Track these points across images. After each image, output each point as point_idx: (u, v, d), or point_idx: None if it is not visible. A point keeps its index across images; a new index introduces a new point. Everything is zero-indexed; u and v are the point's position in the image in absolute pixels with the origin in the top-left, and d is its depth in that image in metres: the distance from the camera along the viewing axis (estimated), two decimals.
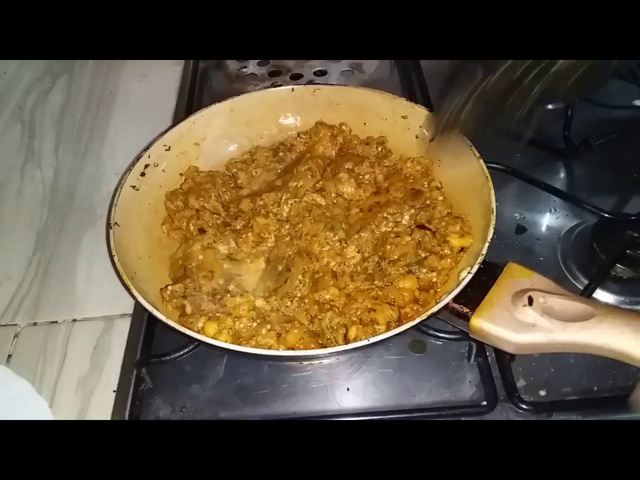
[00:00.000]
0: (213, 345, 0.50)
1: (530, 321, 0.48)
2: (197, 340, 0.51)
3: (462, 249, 0.59)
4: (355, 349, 0.50)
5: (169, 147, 0.68)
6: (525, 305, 0.49)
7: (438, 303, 0.50)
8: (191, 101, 0.86)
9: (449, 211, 0.63)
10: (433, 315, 0.50)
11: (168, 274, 0.62)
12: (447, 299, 0.50)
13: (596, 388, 0.55)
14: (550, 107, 0.81)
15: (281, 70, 0.93)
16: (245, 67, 0.95)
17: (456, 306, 0.52)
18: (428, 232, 0.60)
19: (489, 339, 0.51)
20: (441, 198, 0.64)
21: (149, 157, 0.66)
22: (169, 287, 0.58)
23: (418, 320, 0.49)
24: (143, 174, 0.65)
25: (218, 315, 0.56)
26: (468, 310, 0.51)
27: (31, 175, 0.81)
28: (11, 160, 0.83)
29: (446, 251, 0.59)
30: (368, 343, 0.49)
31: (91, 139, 0.85)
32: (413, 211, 0.63)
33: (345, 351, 0.50)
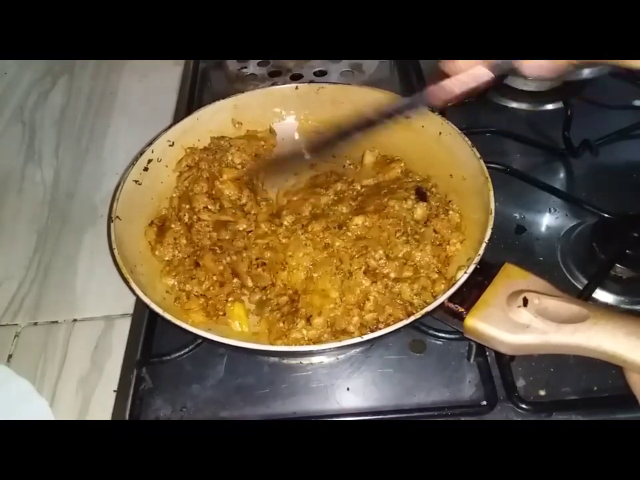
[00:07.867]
0: (212, 340, 0.50)
1: (524, 322, 0.48)
2: (195, 335, 0.51)
3: None
4: (348, 346, 0.50)
5: (173, 143, 0.68)
6: (519, 306, 0.49)
7: (433, 302, 0.50)
8: (191, 101, 0.86)
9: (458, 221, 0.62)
10: (428, 313, 0.50)
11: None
12: (443, 298, 0.50)
13: (595, 388, 0.55)
14: (550, 107, 0.82)
15: (281, 70, 0.93)
16: (245, 67, 0.95)
17: (451, 305, 0.51)
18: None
19: (483, 338, 0.50)
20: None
21: (153, 152, 0.66)
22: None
23: (412, 318, 0.49)
24: (146, 169, 0.65)
25: None
26: (463, 309, 0.51)
27: (31, 175, 0.81)
28: (12, 160, 0.83)
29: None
30: (362, 340, 0.49)
31: (91, 139, 0.85)
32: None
33: (338, 348, 0.50)
